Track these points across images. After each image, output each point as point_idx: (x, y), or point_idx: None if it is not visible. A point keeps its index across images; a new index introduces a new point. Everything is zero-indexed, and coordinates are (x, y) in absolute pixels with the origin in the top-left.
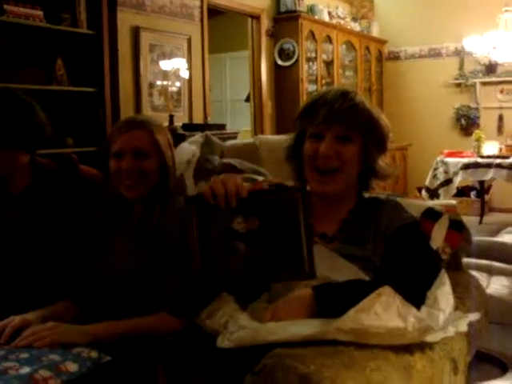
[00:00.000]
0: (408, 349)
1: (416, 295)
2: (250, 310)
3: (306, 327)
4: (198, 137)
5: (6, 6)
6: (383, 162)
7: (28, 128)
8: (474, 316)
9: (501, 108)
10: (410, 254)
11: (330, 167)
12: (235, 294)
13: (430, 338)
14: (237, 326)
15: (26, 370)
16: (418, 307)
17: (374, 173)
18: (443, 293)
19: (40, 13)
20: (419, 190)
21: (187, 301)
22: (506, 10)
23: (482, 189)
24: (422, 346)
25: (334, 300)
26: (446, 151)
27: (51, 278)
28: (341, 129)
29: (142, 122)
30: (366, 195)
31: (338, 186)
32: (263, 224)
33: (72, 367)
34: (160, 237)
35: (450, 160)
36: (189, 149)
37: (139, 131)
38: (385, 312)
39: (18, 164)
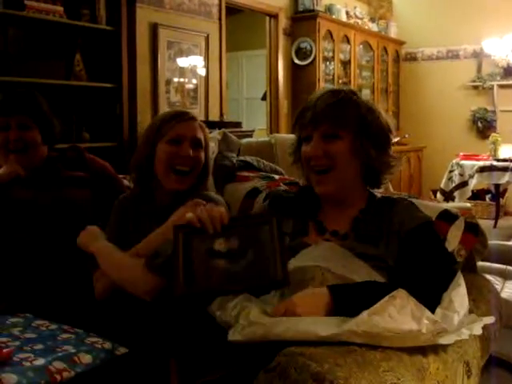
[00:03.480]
0: (421, 350)
1: (432, 297)
2: (262, 302)
3: (320, 327)
4: (216, 134)
5: (26, 2)
6: (385, 157)
7: (55, 126)
8: (488, 319)
9: None
10: (425, 256)
11: (322, 167)
12: None
13: (443, 341)
14: (248, 321)
15: (40, 361)
16: (434, 309)
17: (375, 169)
18: (458, 294)
19: (60, 8)
20: (434, 192)
21: (166, 257)
22: None
23: (498, 192)
24: (435, 348)
25: (350, 301)
26: (461, 154)
27: (62, 254)
28: (326, 127)
29: (193, 116)
30: (379, 195)
31: (333, 185)
32: (242, 243)
33: (86, 358)
34: None
35: (465, 163)
36: None
37: (195, 122)
38: (399, 315)
39: (45, 157)
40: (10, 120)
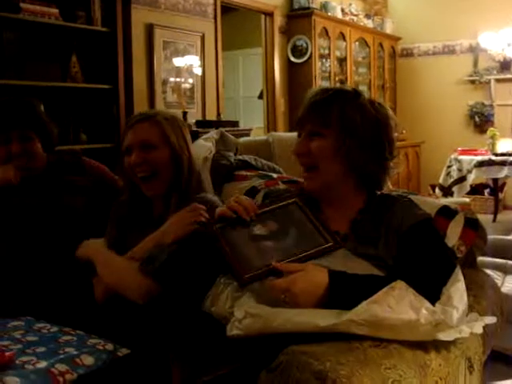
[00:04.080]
0: (423, 347)
1: (431, 292)
2: (251, 292)
3: (319, 319)
4: (213, 133)
5: (22, 4)
6: (377, 160)
7: (53, 133)
8: (490, 319)
9: None
10: (424, 252)
11: (308, 165)
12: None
13: (443, 337)
14: (243, 312)
15: (42, 364)
16: (433, 303)
17: (366, 171)
18: (457, 290)
19: (55, 10)
20: (432, 187)
21: (161, 263)
22: None
23: (496, 186)
24: (437, 345)
25: (348, 292)
26: (459, 149)
27: (63, 257)
28: (311, 125)
29: (148, 115)
30: (378, 192)
31: (318, 183)
32: (280, 224)
33: (88, 360)
34: None
35: (463, 157)
36: (205, 146)
37: (145, 123)
38: (398, 305)
39: (45, 164)
40: (10, 133)
